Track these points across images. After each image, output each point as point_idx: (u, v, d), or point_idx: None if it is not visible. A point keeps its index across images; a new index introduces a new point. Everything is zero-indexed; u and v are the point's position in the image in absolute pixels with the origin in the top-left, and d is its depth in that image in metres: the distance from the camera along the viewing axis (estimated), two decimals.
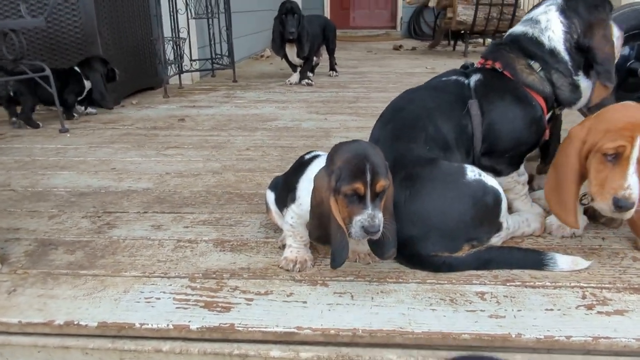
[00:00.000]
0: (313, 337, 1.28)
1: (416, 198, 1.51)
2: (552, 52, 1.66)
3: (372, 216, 1.30)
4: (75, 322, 1.32)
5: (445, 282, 1.46)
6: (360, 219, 1.31)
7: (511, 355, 1.24)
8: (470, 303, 1.37)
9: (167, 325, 1.30)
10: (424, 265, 1.52)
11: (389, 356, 1.25)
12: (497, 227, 1.57)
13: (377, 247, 1.43)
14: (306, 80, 4.97)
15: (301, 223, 1.50)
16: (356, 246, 1.59)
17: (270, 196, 1.71)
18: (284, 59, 5.00)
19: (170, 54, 4.57)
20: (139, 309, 1.36)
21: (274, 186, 1.72)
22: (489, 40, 8.32)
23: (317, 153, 1.63)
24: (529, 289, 1.42)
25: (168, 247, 1.70)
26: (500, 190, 1.57)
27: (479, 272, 1.50)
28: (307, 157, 1.64)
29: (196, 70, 5.13)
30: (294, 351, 1.27)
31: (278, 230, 1.75)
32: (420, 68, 6.02)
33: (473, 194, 1.52)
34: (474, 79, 1.72)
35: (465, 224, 1.51)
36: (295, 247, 1.56)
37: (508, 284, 1.44)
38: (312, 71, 5.41)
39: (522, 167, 1.78)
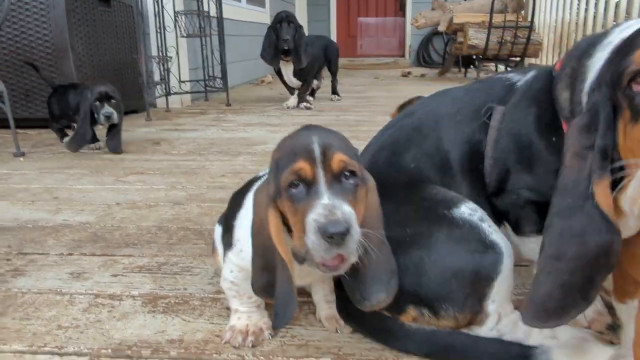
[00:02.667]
0: None
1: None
2: None
3: (331, 206, 0.79)
4: None
5: None
6: (313, 215, 0.80)
7: None
8: None
9: None
10: (355, 320, 1.07)
11: None
12: (474, 311, 0.99)
13: (355, 287, 0.92)
14: (305, 104, 4.56)
15: (245, 277, 1.02)
16: (329, 310, 1.13)
17: (218, 231, 1.23)
18: (280, 80, 4.61)
19: (157, 74, 4.19)
20: None
21: (221, 219, 1.25)
22: (501, 67, 7.95)
23: (260, 174, 1.16)
24: None
25: (80, 306, 1.23)
26: (505, 255, 0.99)
27: None
28: (249, 179, 1.17)
29: (186, 93, 4.75)
30: None
31: None
32: (430, 93, 5.59)
33: (455, 238, 0.97)
34: (527, 77, 1.10)
35: (420, 276, 0.98)
36: (244, 311, 1.08)
37: None
38: (313, 95, 5.02)
39: None
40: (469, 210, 1.00)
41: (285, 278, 0.88)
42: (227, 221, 1.10)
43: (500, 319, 0.99)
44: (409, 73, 8.10)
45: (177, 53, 4.52)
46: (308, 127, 0.90)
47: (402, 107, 2.51)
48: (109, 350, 1.05)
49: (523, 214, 1.02)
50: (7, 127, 2.88)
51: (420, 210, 1.02)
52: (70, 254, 1.53)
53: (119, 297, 1.26)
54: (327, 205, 0.79)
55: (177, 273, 1.39)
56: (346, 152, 0.85)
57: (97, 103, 2.81)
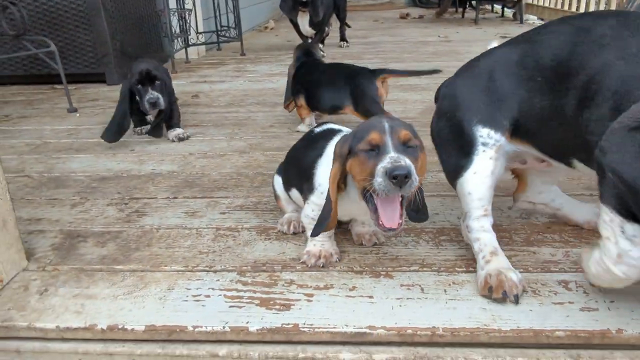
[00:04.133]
0: (387, 337, 1.15)
1: None
2: None
3: (396, 158, 1.08)
4: (120, 326, 1.18)
5: (521, 269, 1.33)
6: (382, 164, 1.08)
7: (609, 352, 1.11)
8: (555, 294, 1.23)
9: (223, 327, 1.16)
10: None
11: (473, 357, 1.12)
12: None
13: (415, 213, 1.29)
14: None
15: None
16: (361, 228, 1.47)
17: (278, 180, 1.57)
18: (294, 29, 4.78)
19: (175, 27, 4.35)
20: (189, 309, 1.22)
21: (280, 169, 1.58)
22: (498, 8, 8.08)
23: (331, 126, 1.48)
24: None
25: (208, 237, 1.56)
26: None
27: (556, 258, 1.37)
28: (319, 130, 1.49)
29: (202, 44, 4.92)
30: (367, 352, 1.14)
31: None
32: (433, 37, 5.79)
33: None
34: None
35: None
36: (319, 240, 1.40)
37: None
38: (322, 42, 5.19)
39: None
40: None
41: (329, 210, 1.22)
42: (304, 168, 1.39)
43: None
44: (407, 15, 8.20)
45: (194, 4, 4.65)
46: (380, 117, 1.21)
47: None
48: (249, 267, 1.39)
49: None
50: (45, 82, 3.08)
51: None
52: (175, 197, 1.84)
53: (236, 229, 1.59)
54: (393, 157, 1.09)
55: (272, 210, 1.71)
56: (411, 129, 1.16)
57: (139, 86, 2.37)
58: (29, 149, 2.42)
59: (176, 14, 4.38)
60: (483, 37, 5.65)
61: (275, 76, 3.95)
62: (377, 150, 1.13)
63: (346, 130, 1.43)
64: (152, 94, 2.36)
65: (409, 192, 1.11)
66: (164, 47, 4.46)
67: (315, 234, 1.27)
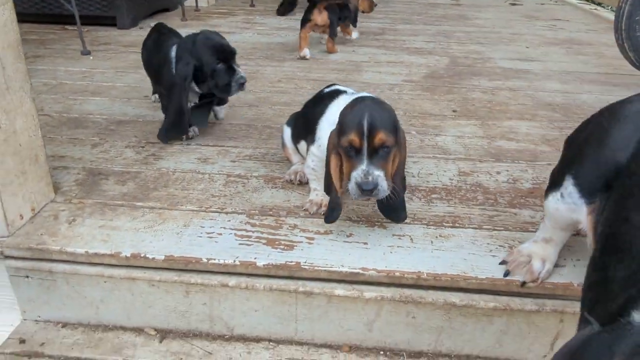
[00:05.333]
0: (377, 278, 1.30)
1: None
2: None
3: (366, 173, 1.24)
4: (142, 255, 1.33)
5: (502, 229, 1.48)
6: (355, 174, 1.26)
7: (570, 303, 1.28)
8: None
9: (234, 261, 1.32)
10: None
11: (452, 299, 1.29)
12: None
13: (386, 212, 1.40)
14: None
15: (322, 165, 1.48)
16: None
17: (287, 132, 1.72)
18: None
19: None
20: (203, 244, 1.37)
21: (290, 122, 1.73)
22: None
23: (337, 87, 1.62)
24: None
25: (219, 182, 1.69)
26: None
27: (535, 220, 1.52)
28: (327, 90, 1.62)
29: None
30: (359, 290, 1.30)
31: None
32: None
33: None
34: None
35: None
36: (320, 190, 1.54)
37: None
38: None
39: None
40: None
41: (334, 194, 1.36)
42: (309, 123, 1.54)
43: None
44: None
45: None
46: (363, 105, 1.28)
47: None
48: (257, 211, 1.53)
49: None
50: (56, 22, 3.11)
51: None
52: (189, 144, 1.96)
53: (245, 177, 1.73)
54: (364, 170, 1.25)
55: (279, 162, 1.84)
56: (388, 129, 1.25)
57: (220, 65, 1.86)
58: (46, 89, 2.52)
59: None
60: (493, 3, 5.65)
61: (283, 30, 4.00)
62: (354, 152, 1.26)
63: (351, 91, 1.55)
64: (240, 73, 1.89)
65: (379, 196, 1.27)
66: None
67: (328, 221, 1.39)
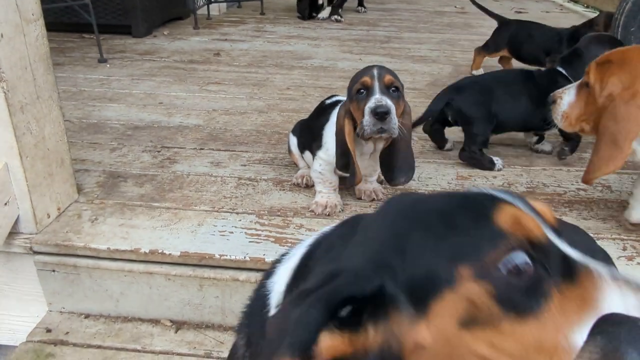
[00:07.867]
0: None
1: None
2: None
3: (379, 99, 1.36)
4: (159, 251, 1.44)
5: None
6: (369, 104, 1.37)
7: None
8: None
9: (244, 257, 1.42)
10: None
11: None
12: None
13: (387, 172, 1.52)
14: (336, 17, 4.89)
15: (329, 169, 1.60)
16: (362, 185, 1.70)
17: (293, 140, 1.83)
18: None
19: None
20: (216, 241, 1.48)
21: (296, 130, 1.84)
22: None
23: (338, 98, 1.73)
24: None
25: (230, 185, 1.80)
26: None
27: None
28: (328, 102, 1.74)
29: (224, 1, 5.05)
30: None
31: None
32: (449, 7, 5.87)
33: None
34: None
35: None
36: (325, 192, 1.65)
37: None
38: (341, 6, 5.31)
39: None
40: None
41: (353, 163, 1.47)
42: (314, 131, 1.66)
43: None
44: None
45: None
46: (371, 65, 1.47)
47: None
48: (266, 212, 1.64)
49: None
50: (74, 31, 3.25)
51: None
52: (202, 149, 2.08)
53: (255, 180, 1.84)
54: (377, 98, 1.37)
55: (287, 166, 1.95)
56: (394, 76, 1.41)
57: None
58: (66, 96, 2.65)
59: None
60: (498, 11, 5.72)
61: (292, 38, 4.12)
62: (366, 91, 1.39)
63: None
64: None
65: (391, 129, 1.37)
66: (187, 2, 4.60)
67: (349, 185, 1.55)
